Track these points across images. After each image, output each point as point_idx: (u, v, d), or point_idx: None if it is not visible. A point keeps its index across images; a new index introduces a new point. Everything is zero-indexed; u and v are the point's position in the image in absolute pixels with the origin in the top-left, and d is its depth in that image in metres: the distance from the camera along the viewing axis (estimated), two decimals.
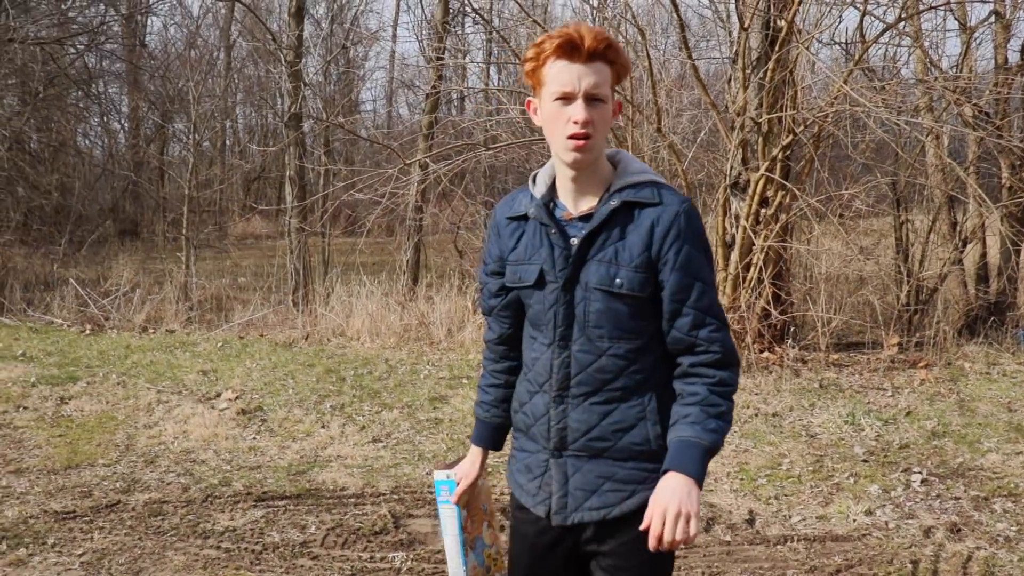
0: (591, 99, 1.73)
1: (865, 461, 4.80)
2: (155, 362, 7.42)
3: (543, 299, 1.87)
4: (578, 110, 1.72)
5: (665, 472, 1.73)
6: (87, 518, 4.09)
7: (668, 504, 1.67)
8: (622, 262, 1.77)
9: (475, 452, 2.09)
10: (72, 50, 17.53)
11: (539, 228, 1.86)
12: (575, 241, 1.81)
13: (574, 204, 1.85)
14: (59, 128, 16.91)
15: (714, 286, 1.80)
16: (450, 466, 2.09)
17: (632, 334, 1.80)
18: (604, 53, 1.73)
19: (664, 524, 1.66)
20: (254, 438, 5.33)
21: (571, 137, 1.74)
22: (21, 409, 5.97)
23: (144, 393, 6.33)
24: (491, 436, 2.09)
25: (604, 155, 1.85)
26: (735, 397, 1.86)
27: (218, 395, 6.29)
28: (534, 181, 1.93)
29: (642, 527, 1.70)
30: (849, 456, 4.89)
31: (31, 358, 7.56)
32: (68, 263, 12.87)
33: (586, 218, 1.82)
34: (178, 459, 4.93)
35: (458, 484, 2.05)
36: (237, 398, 6.16)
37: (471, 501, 2.10)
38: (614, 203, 1.78)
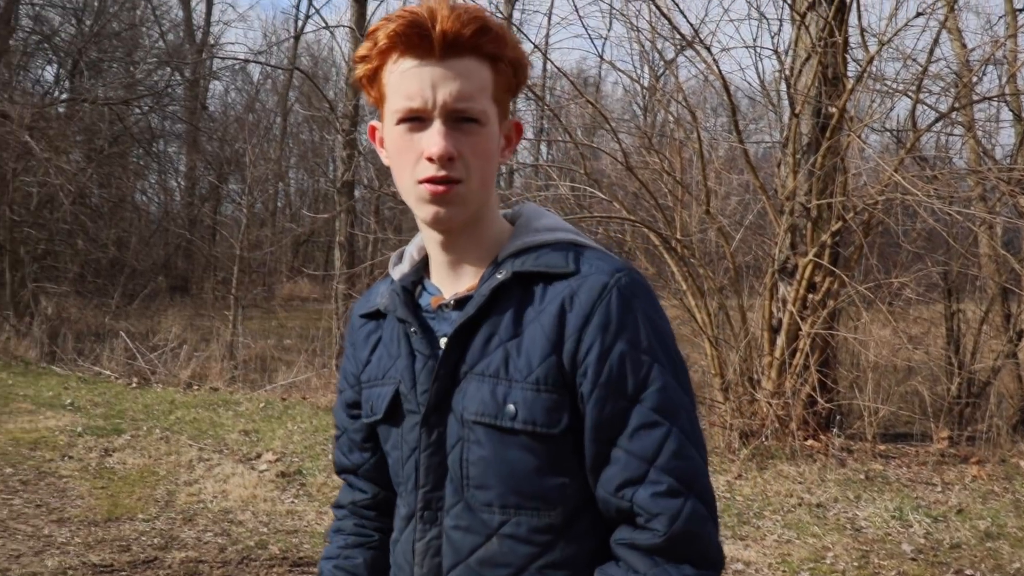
0: (456, 118, 1.11)
1: (914, 560, 4.66)
2: (198, 419, 7.50)
3: (400, 442, 1.22)
4: (433, 138, 1.10)
5: None
6: (124, 572, 4.11)
7: None
8: (515, 375, 1.11)
9: None
10: (137, 110, 18.20)
11: (396, 327, 1.23)
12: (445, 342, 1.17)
13: (450, 284, 1.21)
14: (119, 184, 17.45)
15: (679, 412, 1.10)
16: None
17: (541, 501, 1.12)
18: (474, 42, 1.10)
19: None
20: (292, 501, 5.34)
21: (424, 181, 1.11)
22: (67, 458, 6.05)
23: (186, 450, 6.39)
24: None
25: (494, 209, 1.22)
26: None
27: (258, 456, 6.32)
28: (399, 258, 1.31)
29: None
30: (896, 553, 4.75)
31: (79, 408, 7.68)
32: (119, 316, 13.15)
33: (463, 304, 1.18)
34: (216, 518, 4.95)
35: None
36: (277, 460, 6.19)
37: None
38: (501, 276, 1.13)
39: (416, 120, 1.12)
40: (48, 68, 20.31)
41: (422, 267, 1.28)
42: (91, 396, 8.26)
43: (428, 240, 1.22)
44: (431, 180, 1.11)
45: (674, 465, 1.08)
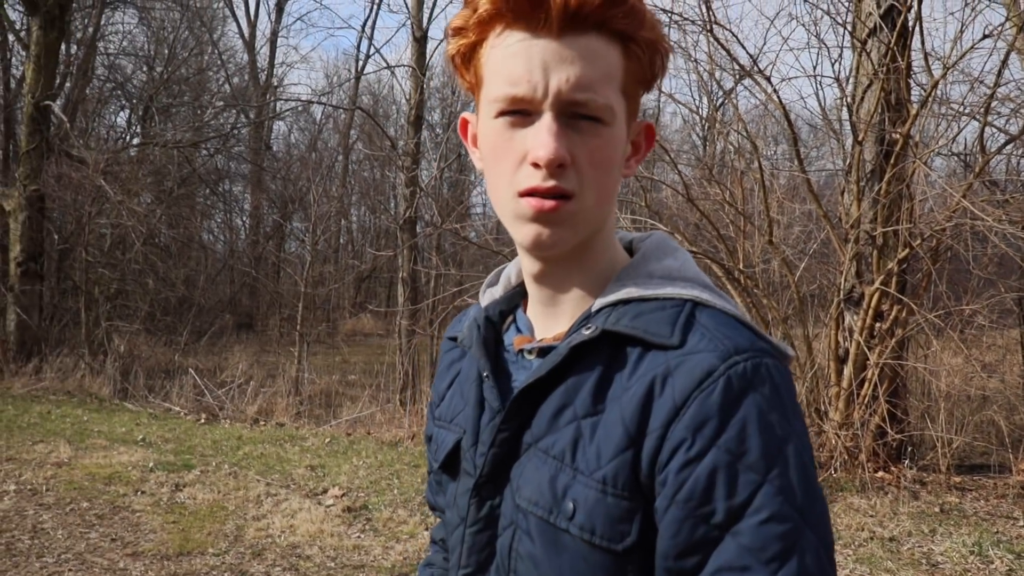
0: (572, 113, 0.86)
1: None
2: (265, 454, 7.61)
3: (453, 503, 1.02)
4: (541, 137, 0.85)
5: None
6: None
7: None
8: (582, 465, 0.87)
9: None
10: (204, 152, 18.76)
11: (473, 364, 1.02)
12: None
13: (543, 322, 0.99)
14: (187, 224, 17.96)
15: (791, 555, 0.78)
16: None
17: None
18: (603, 14, 0.85)
19: None
20: (359, 536, 5.38)
21: (526, 194, 0.88)
22: (139, 493, 6.19)
23: (254, 485, 6.48)
24: None
25: (610, 235, 0.97)
26: None
27: (325, 491, 6.39)
28: (496, 278, 1.10)
29: None
30: None
31: (150, 444, 7.86)
32: (188, 353, 13.46)
33: (547, 353, 0.94)
34: (284, 553, 5.01)
35: None
36: (343, 495, 6.25)
37: None
38: (587, 333, 0.89)
39: (520, 113, 0.87)
40: (121, 114, 21.12)
41: (519, 295, 1.05)
42: (162, 432, 8.45)
43: (524, 266, 0.98)
44: (535, 192, 0.87)
45: None
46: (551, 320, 0.97)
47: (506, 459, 0.94)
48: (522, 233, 0.89)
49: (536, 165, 0.86)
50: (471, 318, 1.06)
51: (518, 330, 1.02)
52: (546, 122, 0.85)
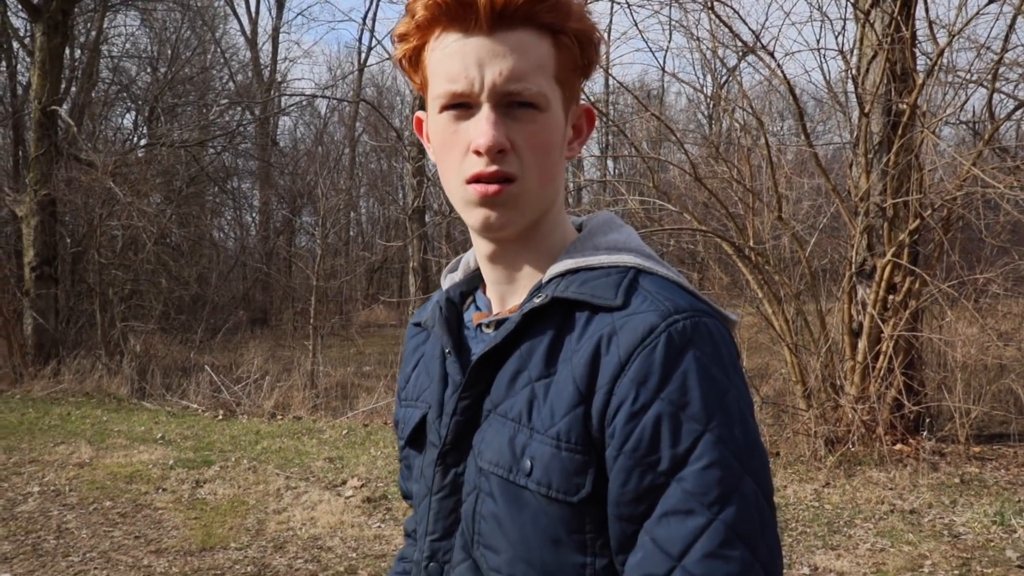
0: (508, 103, 0.93)
1: (1020, 567, 4.49)
2: (283, 448, 7.66)
3: (420, 475, 1.08)
4: (480, 126, 0.92)
5: None
6: None
7: None
8: (537, 424, 0.92)
9: None
10: (211, 150, 18.81)
11: (437, 344, 1.09)
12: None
13: (499, 299, 1.05)
14: (198, 223, 18.01)
15: (730, 500, 0.83)
16: None
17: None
18: (528, 10, 0.92)
19: None
20: (379, 526, 5.41)
21: (472, 180, 0.94)
22: (161, 490, 6.24)
23: (273, 479, 6.53)
24: None
25: (559, 215, 1.02)
26: None
27: (344, 482, 6.43)
28: (456, 266, 1.17)
29: None
30: (1001, 560, 4.59)
31: (169, 441, 7.92)
32: (203, 350, 13.53)
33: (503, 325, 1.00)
34: (306, 545, 5.05)
35: None
36: (362, 486, 6.29)
37: None
38: (539, 301, 0.95)
39: (462, 107, 0.94)
40: (127, 116, 21.19)
41: (478, 278, 1.11)
42: (180, 429, 8.52)
43: (477, 249, 1.04)
44: (479, 178, 0.93)
45: (706, 569, 0.82)
46: (507, 297, 1.04)
47: (468, 426, 0.99)
48: (472, 217, 0.96)
49: (478, 153, 0.92)
50: (434, 302, 1.13)
51: (477, 308, 1.09)
52: (485, 113, 0.92)
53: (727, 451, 0.84)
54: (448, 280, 1.14)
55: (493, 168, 0.92)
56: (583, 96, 1.02)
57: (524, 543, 0.92)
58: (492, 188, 0.93)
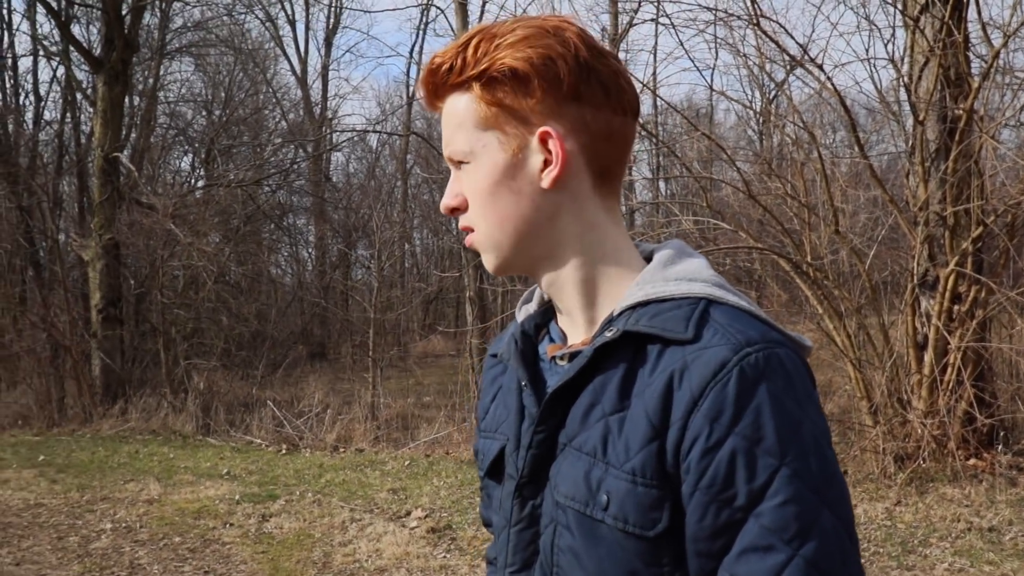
0: (456, 164, 1.03)
1: None
2: (347, 481, 7.72)
3: (499, 507, 1.09)
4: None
5: None
6: None
7: None
8: (613, 459, 0.93)
9: None
10: (267, 188, 19.19)
11: (514, 376, 1.10)
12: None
13: (572, 331, 1.07)
14: (255, 260, 18.34)
15: (809, 535, 0.83)
16: None
17: None
18: (445, 78, 0.99)
19: None
20: (444, 556, 5.41)
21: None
22: (228, 525, 6.33)
23: (338, 511, 6.57)
24: None
25: (590, 247, 1.02)
26: None
27: (408, 513, 6.45)
28: (530, 296, 1.17)
29: None
30: None
31: (235, 476, 8.04)
32: (265, 385, 13.73)
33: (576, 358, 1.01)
34: None
35: None
36: (427, 516, 6.30)
37: None
38: (610, 335, 0.95)
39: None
40: (184, 159, 21.75)
41: (552, 309, 1.12)
42: (245, 464, 8.64)
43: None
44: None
45: None
46: (578, 328, 1.05)
47: (544, 459, 1.00)
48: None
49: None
50: (509, 334, 1.13)
51: (551, 340, 1.09)
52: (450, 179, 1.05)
53: (803, 485, 0.84)
54: (523, 311, 1.15)
55: (460, 225, 1.05)
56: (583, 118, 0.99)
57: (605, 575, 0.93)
58: (465, 240, 1.05)
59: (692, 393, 0.87)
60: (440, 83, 1.00)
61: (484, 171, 0.99)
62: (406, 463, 8.41)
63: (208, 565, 5.43)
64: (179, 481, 7.86)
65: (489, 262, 1.04)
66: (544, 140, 0.98)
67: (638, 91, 1.04)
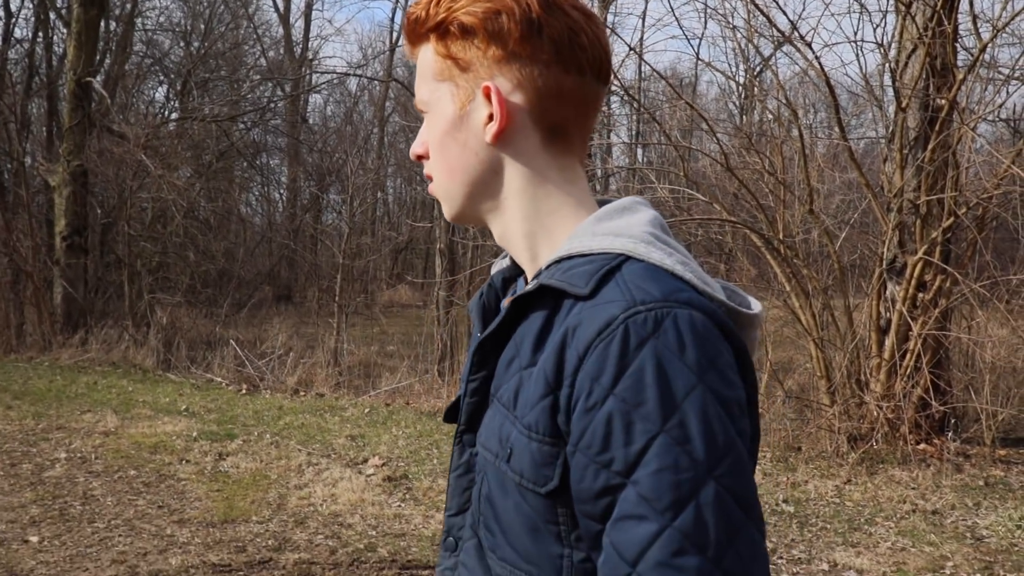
0: (422, 114, 1.05)
1: None
2: (306, 424, 7.72)
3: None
4: None
5: None
6: (242, 572, 4.27)
7: None
8: (518, 412, 0.92)
9: None
10: (242, 126, 18.89)
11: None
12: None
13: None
14: (226, 198, 18.11)
15: (685, 506, 0.79)
16: None
17: (537, 568, 0.91)
18: (414, 26, 1.01)
19: None
20: (399, 505, 5.45)
21: None
22: (184, 462, 6.31)
23: (295, 454, 6.58)
24: None
25: (535, 200, 1.00)
26: None
27: (365, 461, 6.47)
28: (506, 252, 1.16)
29: None
30: None
31: (193, 414, 8.00)
32: (229, 324, 13.64)
33: None
34: (326, 521, 5.09)
35: None
36: (383, 465, 6.32)
37: None
38: (528, 288, 0.95)
39: None
40: (159, 89, 21.32)
41: None
42: (204, 402, 8.60)
43: None
44: None
45: (681, 562, 0.78)
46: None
47: (480, 408, 1.01)
48: None
49: None
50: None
51: (515, 293, 1.06)
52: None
53: (683, 453, 0.79)
54: (496, 266, 1.16)
55: (424, 172, 1.07)
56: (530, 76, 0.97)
57: (511, 528, 0.92)
58: (428, 188, 1.07)
59: (578, 351, 0.85)
60: (410, 33, 1.02)
61: (437, 122, 1.01)
62: (366, 411, 8.43)
63: (162, 500, 5.42)
64: (137, 415, 7.81)
65: (445, 211, 1.07)
66: (487, 95, 0.97)
67: (611, 51, 1.02)
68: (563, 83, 0.97)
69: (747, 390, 0.88)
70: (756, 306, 0.97)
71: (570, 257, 0.93)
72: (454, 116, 1.00)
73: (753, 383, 0.91)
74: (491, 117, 0.97)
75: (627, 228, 0.95)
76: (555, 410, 0.87)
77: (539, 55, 0.95)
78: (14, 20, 18.28)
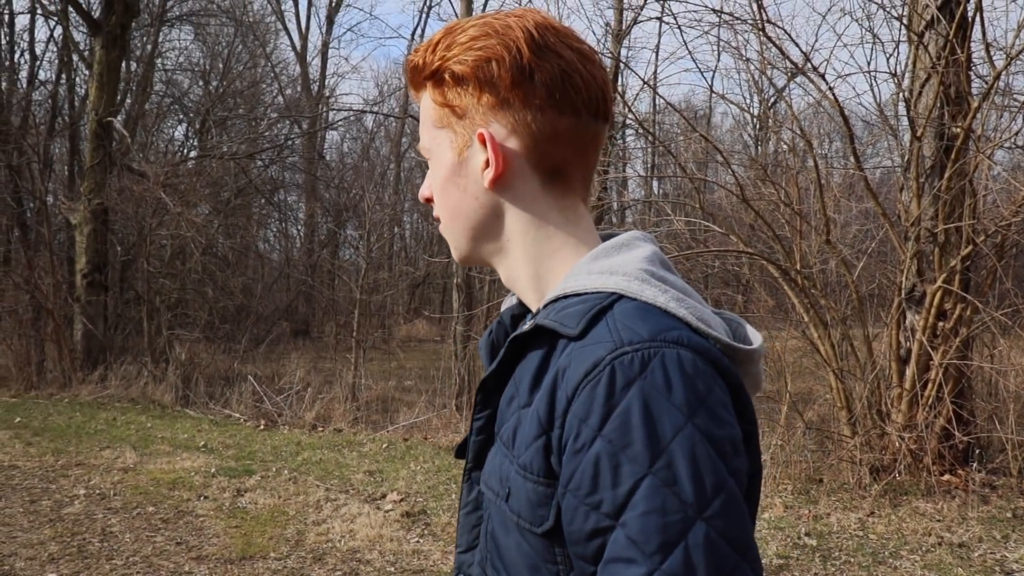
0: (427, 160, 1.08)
1: None
2: (324, 460, 7.70)
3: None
4: None
5: None
6: None
7: None
8: (516, 451, 0.93)
9: None
10: (259, 163, 19.10)
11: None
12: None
13: None
14: (244, 234, 18.25)
15: (671, 551, 0.78)
16: None
17: None
18: (412, 76, 1.04)
19: None
20: (418, 541, 5.41)
21: None
22: (202, 498, 6.31)
23: (313, 490, 6.56)
24: None
25: (536, 243, 1.01)
26: None
27: (383, 496, 6.45)
28: None
29: None
30: None
31: (212, 449, 8.01)
32: (247, 360, 13.68)
33: None
34: (344, 558, 5.06)
35: None
36: (402, 500, 6.30)
37: None
38: (525, 328, 0.97)
39: None
40: (179, 128, 21.61)
41: None
42: (222, 438, 8.61)
43: None
44: None
45: None
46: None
47: (486, 446, 1.03)
48: None
49: None
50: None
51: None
52: None
53: (671, 495, 0.79)
54: (507, 303, 1.16)
55: (433, 214, 1.09)
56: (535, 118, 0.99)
57: (514, 566, 0.93)
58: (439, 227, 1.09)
59: (567, 392, 0.85)
60: (411, 80, 1.04)
61: (438, 168, 1.03)
62: (384, 446, 8.41)
63: (180, 536, 5.42)
64: (155, 451, 7.82)
65: (453, 253, 1.08)
66: (483, 141, 0.99)
67: (610, 88, 1.02)
68: (558, 126, 0.98)
69: (745, 427, 0.88)
70: (756, 340, 0.97)
71: (565, 296, 0.94)
72: (453, 162, 1.02)
73: (752, 420, 0.90)
74: (488, 163, 0.99)
75: (621, 266, 0.95)
76: (548, 451, 0.87)
77: (532, 100, 0.96)
78: (39, 63, 18.64)
